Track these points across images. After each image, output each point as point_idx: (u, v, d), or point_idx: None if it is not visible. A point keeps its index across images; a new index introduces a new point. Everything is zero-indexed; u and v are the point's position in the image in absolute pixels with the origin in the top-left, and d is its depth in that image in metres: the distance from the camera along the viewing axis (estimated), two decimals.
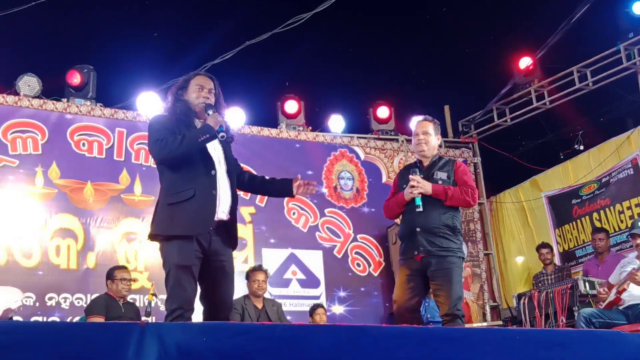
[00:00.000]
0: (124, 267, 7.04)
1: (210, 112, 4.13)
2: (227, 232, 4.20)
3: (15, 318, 6.85)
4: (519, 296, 8.09)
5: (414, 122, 5.25)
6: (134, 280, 7.26)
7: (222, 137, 4.12)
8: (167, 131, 4.07)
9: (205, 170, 4.12)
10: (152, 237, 4.11)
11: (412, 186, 4.80)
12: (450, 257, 4.80)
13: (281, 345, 2.45)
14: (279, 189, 4.64)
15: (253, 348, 2.37)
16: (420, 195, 4.79)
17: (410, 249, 4.85)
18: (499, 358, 2.91)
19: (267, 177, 4.70)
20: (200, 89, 4.21)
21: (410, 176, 4.85)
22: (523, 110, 10.45)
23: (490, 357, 2.89)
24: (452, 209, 4.93)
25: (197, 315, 4.07)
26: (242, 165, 4.60)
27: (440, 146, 10.45)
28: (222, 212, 4.12)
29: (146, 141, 8.00)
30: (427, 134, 5.03)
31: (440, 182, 4.88)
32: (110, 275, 6.84)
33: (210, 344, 2.28)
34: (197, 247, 3.97)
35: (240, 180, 4.44)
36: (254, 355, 2.36)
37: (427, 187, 4.81)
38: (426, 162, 5.04)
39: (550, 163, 10.52)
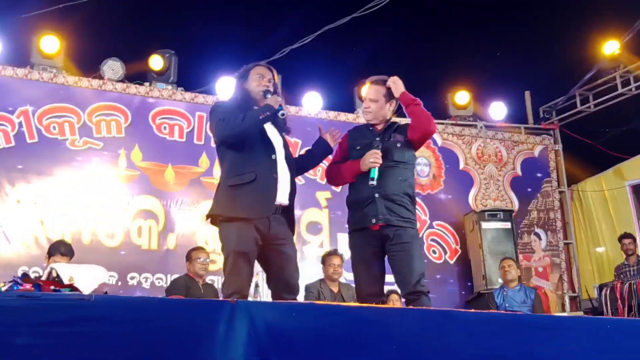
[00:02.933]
0: (200, 248, 7.19)
1: (269, 95, 4.22)
2: (287, 217, 4.23)
3: None
4: (601, 287, 7.88)
5: (367, 82, 4.73)
6: (212, 262, 7.39)
7: (282, 115, 4.19)
8: (228, 113, 4.12)
9: (266, 154, 4.16)
10: (212, 217, 4.15)
11: (373, 162, 4.31)
12: (410, 228, 4.38)
13: (369, 327, 2.45)
14: (318, 151, 4.63)
15: (341, 329, 2.37)
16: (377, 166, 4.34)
17: (366, 217, 4.33)
18: (590, 347, 2.84)
19: (309, 148, 4.74)
20: (261, 78, 4.29)
21: (373, 152, 4.35)
22: (607, 97, 10.16)
23: (581, 346, 2.82)
24: (410, 177, 4.54)
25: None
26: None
27: (519, 132, 10.32)
28: (282, 196, 4.15)
29: None
30: (374, 102, 4.53)
31: (398, 145, 4.45)
32: (188, 256, 7.01)
33: (299, 324, 2.29)
34: (255, 233, 3.99)
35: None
36: (342, 336, 2.36)
37: (399, 85, 4.44)
38: (380, 127, 4.58)
39: (635, 151, 10.16)
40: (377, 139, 4.48)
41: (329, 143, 4.57)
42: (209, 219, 4.24)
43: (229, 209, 4.03)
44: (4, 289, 2.68)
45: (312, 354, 2.29)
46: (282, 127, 4.36)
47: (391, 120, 4.63)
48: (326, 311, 2.46)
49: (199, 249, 7.17)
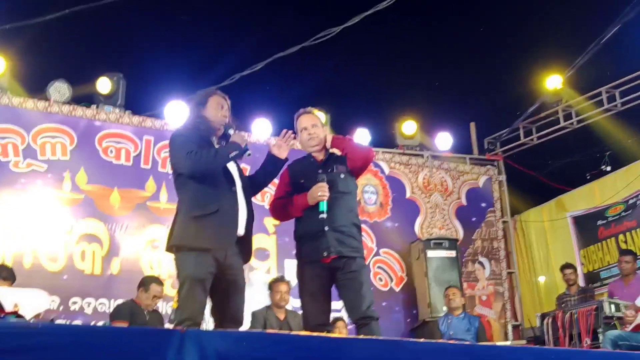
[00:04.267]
0: (160, 283, 7.00)
1: (231, 131, 4.28)
2: (242, 247, 4.27)
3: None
4: (543, 316, 8.04)
5: (299, 115, 4.73)
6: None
7: (249, 154, 4.25)
8: (194, 145, 4.13)
9: (227, 186, 4.22)
10: (175, 248, 4.13)
11: (321, 195, 4.32)
12: (359, 258, 4.44)
13: (319, 356, 2.45)
14: (269, 167, 4.59)
15: (291, 357, 2.37)
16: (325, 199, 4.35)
17: (317, 250, 4.35)
18: None
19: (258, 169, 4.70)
20: (220, 108, 4.34)
21: (320, 185, 4.36)
22: (550, 130, 10.43)
23: None
24: (355, 206, 4.63)
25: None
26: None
27: (465, 162, 10.53)
28: (240, 227, 4.20)
29: None
30: (316, 127, 4.61)
31: (342, 175, 4.51)
32: (145, 285, 6.83)
33: (249, 353, 2.29)
34: (212, 262, 4.02)
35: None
36: None
37: (328, 137, 4.55)
38: (320, 157, 4.62)
39: (577, 183, 10.46)
40: (320, 170, 4.50)
41: (278, 155, 4.50)
42: (167, 248, 4.21)
43: (192, 240, 4.04)
44: None
45: None
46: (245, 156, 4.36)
47: (329, 151, 4.65)
48: (276, 340, 2.46)
49: (159, 283, 6.96)
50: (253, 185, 4.55)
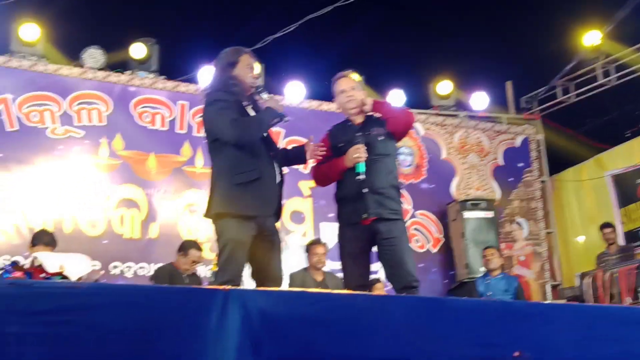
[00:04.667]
0: (199, 248, 7.04)
1: (265, 95, 4.23)
2: (278, 209, 4.30)
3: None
4: (582, 275, 7.98)
5: (337, 78, 4.70)
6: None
7: (287, 120, 4.23)
8: (233, 111, 4.10)
9: (265, 153, 4.20)
10: (216, 215, 4.09)
11: (357, 157, 4.31)
12: (400, 221, 4.45)
13: (361, 314, 2.45)
14: (293, 157, 4.60)
15: (333, 316, 2.37)
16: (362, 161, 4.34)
17: (356, 213, 4.35)
18: (575, 334, 2.85)
19: (287, 148, 4.73)
20: (251, 69, 4.29)
21: (356, 147, 4.34)
22: (588, 87, 10.23)
23: (567, 333, 2.84)
24: (394, 169, 4.59)
25: None
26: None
27: (501, 122, 10.40)
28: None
29: None
30: (354, 90, 4.59)
31: (380, 138, 4.48)
32: (184, 249, 6.89)
33: (292, 311, 2.29)
34: (254, 226, 4.05)
35: None
36: (334, 322, 2.36)
37: (368, 101, 4.49)
38: (359, 120, 4.59)
39: (615, 141, 10.26)
40: (358, 133, 4.49)
41: (307, 154, 4.49)
42: (207, 215, 4.18)
43: (236, 207, 4.03)
44: None
45: (305, 342, 2.29)
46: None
47: (368, 114, 4.61)
48: (319, 298, 2.46)
49: (198, 248, 7.02)
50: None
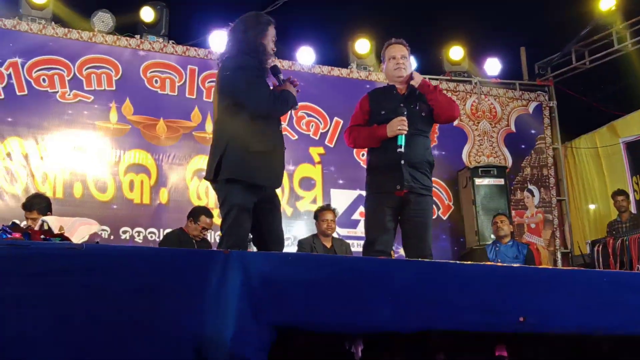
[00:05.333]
0: (210, 214, 7.02)
1: (282, 76, 4.25)
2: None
3: None
4: (593, 243, 7.91)
5: (389, 44, 4.72)
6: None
7: (295, 108, 4.34)
8: (264, 82, 4.14)
9: (277, 124, 4.24)
10: (226, 180, 4.04)
11: (400, 129, 4.37)
12: (429, 197, 4.54)
13: (363, 278, 2.42)
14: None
15: (335, 280, 2.35)
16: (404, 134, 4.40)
17: (390, 182, 4.43)
18: (581, 300, 2.82)
19: None
20: (274, 42, 4.26)
21: (400, 119, 4.39)
22: (603, 53, 10.07)
23: (572, 299, 2.81)
24: (429, 145, 4.65)
25: None
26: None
27: (514, 88, 10.27)
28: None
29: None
30: (405, 58, 4.60)
31: (423, 114, 4.53)
32: (195, 215, 6.88)
33: (293, 275, 2.27)
34: (258, 193, 4.06)
35: None
36: (336, 287, 2.34)
37: (417, 77, 4.52)
38: (403, 91, 4.61)
39: (630, 108, 10.08)
40: (402, 105, 4.51)
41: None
42: (214, 178, 4.14)
43: (249, 175, 4.01)
44: None
45: (306, 306, 2.27)
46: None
47: (411, 85, 4.61)
48: (321, 262, 2.43)
49: (209, 214, 6.98)
50: None
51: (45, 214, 5.65)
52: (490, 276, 2.76)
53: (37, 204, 5.97)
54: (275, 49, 4.29)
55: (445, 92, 10.03)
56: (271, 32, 4.25)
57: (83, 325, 1.99)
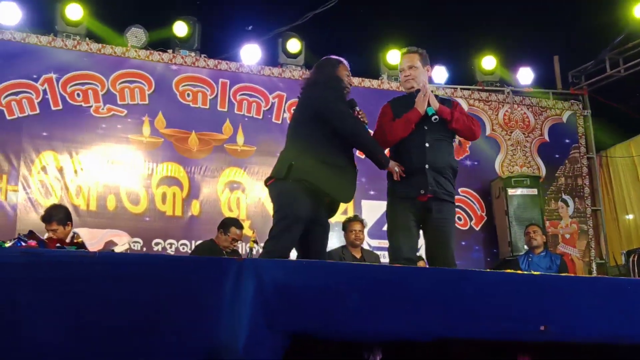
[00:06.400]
0: (240, 226, 7.04)
1: (359, 111, 4.52)
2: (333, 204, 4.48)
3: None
4: (629, 253, 7.80)
5: (400, 55, 4.78)
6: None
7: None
8: (346, 105, 4.43)
9: (351, 149, 4.43)
10: (293, 179, 4.17)
11: (425, 95, 4.43)
12: (452, 204, 4.49)
13: (382, 286, 2.42)
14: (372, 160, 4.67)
15: (352, 288, 2.35)
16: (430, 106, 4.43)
17: (413, 187, 4.40)
18: (603, 308, 2.78)
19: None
20: (348, 77, 4.63)
21: (421, 93, 4.46)
22: (638, 60, 9.92)
23: (594, 307, 2.76)
24: (453, 151, 4.67)
25: None
26: None
27: (547, 98, 10.15)
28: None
29: (249, 92, 8.27)
30: (413, 68, 4.59)
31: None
32: (225, 227, 6.90)
33: (307, 282, 2.27)
34: (319, 202, 4.20)
35: None
36: (353, 294, 2.34)
37: (433, 100, 4.46)
38: None
39: None
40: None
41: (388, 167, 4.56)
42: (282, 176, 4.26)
43: (316, 179, 4.15)
44: (8, 245, 2.69)
45: (320, 313, 2.27)
46: None
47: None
48: (336, 270, 2.43)
49: (239, 226, 6.98)
50: None
51: (66, 224, 5.70)
52: (510, 284, 2.73)
53: (55, 215, 5.99)
54: (351, 84, 4.64)
55: (478, 101, 10.03)
56: (343, 69, 4.58)
57: (96, 333, 2.02)
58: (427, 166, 4.39)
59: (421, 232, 4.62)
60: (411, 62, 4.62)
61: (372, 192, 9.09)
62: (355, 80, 9.48)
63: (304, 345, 2.25)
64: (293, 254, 4.49)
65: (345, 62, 4.63)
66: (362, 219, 7.22)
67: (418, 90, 4.60)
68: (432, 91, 4.63)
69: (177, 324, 2.10)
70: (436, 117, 4.42)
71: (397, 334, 2.51)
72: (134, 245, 7.71)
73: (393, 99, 4.86)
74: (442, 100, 4.68)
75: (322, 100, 4.32)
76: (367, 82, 9.62)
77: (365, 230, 7.27)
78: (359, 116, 4.45)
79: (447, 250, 4.43)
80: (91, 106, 8.19)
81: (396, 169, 4.43)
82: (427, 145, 4.44)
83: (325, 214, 4.37)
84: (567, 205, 10.01)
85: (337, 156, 4.23)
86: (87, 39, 8.43)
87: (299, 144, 4.30)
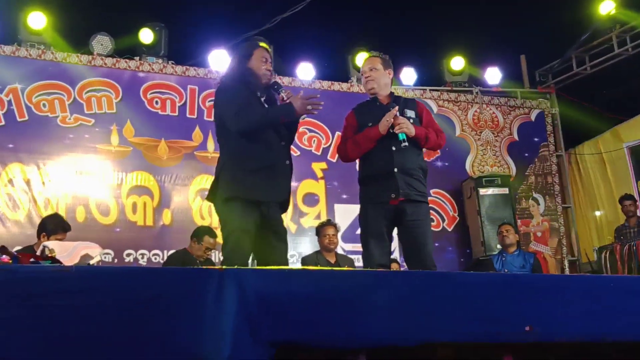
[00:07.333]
0: (214, 234, 6.97)
1: (284, 93, 4.22)
2: (286, 200, 4.28)
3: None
4: (600, 249, 7.88)
5: (363, 60, 4.84)
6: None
7: (304, 118, 4.22)
8: (244, 99, 4.09)
9: (277, 140, 4.19)
10: (225, 199, 4.05)
11: (399, 123, 4.36)
12: (425, 204, 4.49)
13: (365, 291, 2.38)
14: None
15: (335, 294, 2.30)
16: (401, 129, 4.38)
17: (384, 192, 4.40)
18: (587, 306, 2.77)
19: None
20: (265, 61, 4.27)
21: (395, 114, 4.39)
22: (604, 58, 10.05)
23: (578, 306, 2.75)
24: (422, 151, 4.66)
25: None
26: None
27: (515, 97, 10.21)
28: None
29: None
30: (374, 70, 4.62)
31: (411, 120, 4.50)
32: (198, 236, 6.83)
33: (291, 290, 2.22)
34: (258, 214, 4.01)
35: None
36: (336, 301, 2.29)
37: (410, 127, 4.41)
38: (385, 101, 4.64)
39: (633, 112, 10.05)
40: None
41: (297, 109, 4.17)
42: (213, 199, 4.18)
43: (245, 191, 4.00)
44: None
45: (304, 321, 2.23)
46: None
47: (393, 93, 4.71)
48: (318, 276, 2.39)
49: (213, 234, 6.92)
50: None
51: (57, 233, 5.62)
52: (493, 285, 2.71)
53: (42, 228, 5.93)
54: (269, 69, 4.32)
55: (447, 102, 10.06)
56: (258, 54, 4.28)
57: (72, 349, 1.96)
58: (395, 169, 4.40)
59: (396, 234, 4.61)
60: (372, 65, 4.65)
61: (344, 196, 9.08)
62: (325, 84, 9.50)
63: (289, 354, 2.20)
64: None
65: (262, 43, 4.48)
66: (336, 223, 7.20)
67: (392, 98, 4.63)
68: (401, 94, 4.64)
69: (158, 337, 2.04)
70: (406, 143, 4.38)
71: (382, 340, 2.47)
72: (105, 257, 7.59)
73: (357, 105, 4.84)
74: (406, 101, 4.72)
75: (218, 107, 4.21)
76: (337, 86, 9.60)
77: (339, 234, 7.24)
78: (286, 99, 4.19)
79: (425, 251, 4.41)
80: (58, 116, 8.06)
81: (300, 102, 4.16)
82: (393, 148, 4.44)
83: (276, 215, 4.19)
84: (538, 204, 10.08)
85: (256, 158, 4.05)
86: (51, 48, 8.30)
87: (221, 158, 4.19)
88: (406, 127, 4.39)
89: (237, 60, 4.33)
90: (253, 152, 4.06)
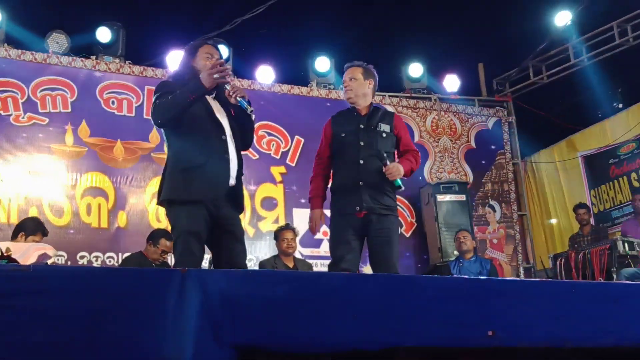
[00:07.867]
0: (171, 237, 6.83)
1: (229, 87, 4.05)
2: (235, 197, 4.11)
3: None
4: (555, 257, 7.95)
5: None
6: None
7: (251, 111, 4.07)
8: (166, 94, 3.95)
9: (216, 135, 4.03)
10: (166, 202, 3.94)
11: (390, 173, 4.35)
12: (392, 216, 4.51)
13: (329, 293, 2.34)
14: (241, 121, 4.21)
15: (299, 296, 2.26)
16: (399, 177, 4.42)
17: (350, 204, 4.43)
18: (549, 311, 2.78)
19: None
20: (209, 57, 4.13)
21: (388, 166, 4.38)
22: (560, 68, 10.21)
23: (540, 311, 2.76)
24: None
25: None
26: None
27: (473, 105, 10.30)
28: (232, 177, 4.04)
29: None
30: (353, 80, 4.59)
31: (384, 134, 4.52)
32: (154, 239, 6.70)
33: (254, 292, 2.17)
34: (206, 213, 3.88)
35: None
36: (300, 303, 2.25)
37: (400, 170, 4.41)
38: (364, 111, 4.62)
39: (587, 122, 10.24)
40: (362, 125, 4.55)
41: (203, 81, 3.98)
42: (158, 202, 4.06)
43: (182, 192, 3.87)
44: None
45: (267, 324, 2.18)
46: (228, 103, 4.14)
47: (374, 106, 4.68)
48: (283, 278, 2.35)
49: (168, 237, 6.82)
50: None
51: (35, 234, 5.51)
52: (457, 289, 2.69)
53: (20, 227, 5.83)
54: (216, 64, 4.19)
55: (405, 109, 10.10)
56: (203, 51, 4.14)
57: (31, 352, 1.88)
58: (361, 183, 4.41)
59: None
60: (352, 75, 4.63)
61: (303, 200, 9.01)
62: (285, 88, 9.47)
63: (253, 358, 2.15)
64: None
65: (208, 42, 4.24)
66: (294, 228, 7.15)
67: (372, 109, 4.64)
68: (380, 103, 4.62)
69: (119, 338, 1.98)
70: (402, 188, 4.49)
71: (345, 344, 2.44)
72: (58, 259, 7.42)
73: (336, 113, 4.81)
74: (384, 114, 4.70)
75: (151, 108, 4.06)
76: (297, 89, 9.57)
77: (298, 239, 7.20)
78: (232, 93, 4.03)
79: (389, 261, 4.41)
80: (11, 115, 7.87)
81: (216, 75, 3.94)
82: (361, 162, 4.45)
83: (228, 214, 4.03)
84: (494, 211, 10.18)
85: (193, 156, 3.90)
86: (5, 44, 8.11)
87: (167, 159, 4.06)
88: (396, 172, 4.40)
89: (182, 61, 4.23)
90: (187, 150, 3.92)
